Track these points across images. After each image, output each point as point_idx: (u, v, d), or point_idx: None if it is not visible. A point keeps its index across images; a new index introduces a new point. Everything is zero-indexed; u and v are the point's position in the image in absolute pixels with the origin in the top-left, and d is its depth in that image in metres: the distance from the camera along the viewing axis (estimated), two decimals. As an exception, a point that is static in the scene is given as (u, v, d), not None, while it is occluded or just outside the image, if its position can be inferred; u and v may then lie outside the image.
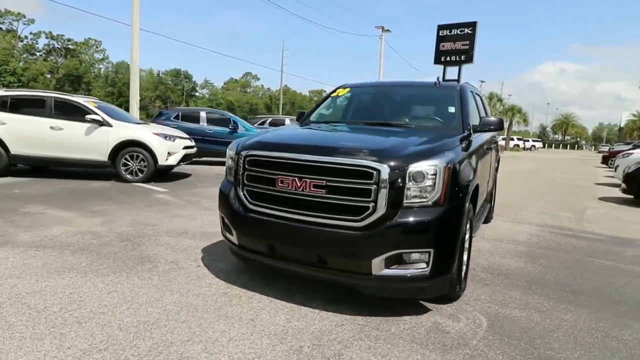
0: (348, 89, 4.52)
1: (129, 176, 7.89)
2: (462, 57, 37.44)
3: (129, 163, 7.89)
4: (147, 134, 8.00)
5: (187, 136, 8.98)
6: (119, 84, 61.61)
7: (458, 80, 28.45)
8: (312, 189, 2.67)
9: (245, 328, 2.55)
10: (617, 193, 8.89)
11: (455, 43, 37.32)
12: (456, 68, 39.39)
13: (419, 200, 2.58)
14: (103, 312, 2.66)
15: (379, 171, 2.54)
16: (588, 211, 7.32)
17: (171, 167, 8.42)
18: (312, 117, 4.36)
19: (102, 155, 7.82)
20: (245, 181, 3.00)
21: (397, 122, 3.81)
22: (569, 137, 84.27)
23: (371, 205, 2.56)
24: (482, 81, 55.13)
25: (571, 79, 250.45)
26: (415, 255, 2.59)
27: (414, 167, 2.57)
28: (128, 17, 14.89)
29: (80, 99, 8.12)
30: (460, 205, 2.74)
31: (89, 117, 7.69)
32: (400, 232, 2.54)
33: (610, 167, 21.62)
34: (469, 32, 37.46)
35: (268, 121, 16.55)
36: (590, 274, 3.86)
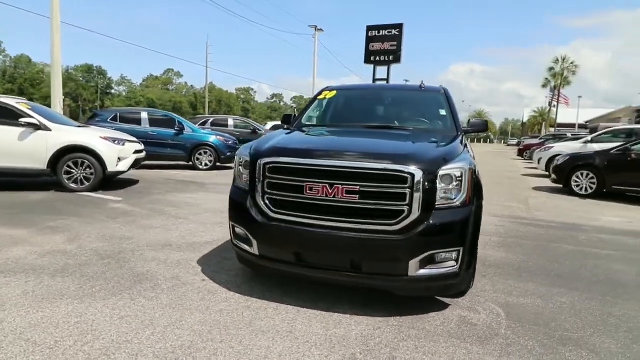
0: (335, 92, 4.54)
1: (73, 185, 7.15)
2: (391, 58, 39.25)
3: (73, 171, 7.15)
4: (93, 138, 7.31)
5: (136, 139, 8.36)
6: (20, 80, 55.24)
7: (387, 80, 30.20)
8: (345, 195, 2.66)
9: (288, 341, 2.48)
10: (546, 183, 9.99)
11: (384, 44, 39.00)
12: (385, 68, 41.23)
13: (449, 201, 2.70)
14: (127, 340, 2.42)
15: (413, 175, 2.61)
16: (530, 200, 8.13)
17: (120, 173, 7.79)
18: (304, 121, 4.33)
19: (40, 163, 6.99)
20: (266, 189, 2.90)
21: (398, 125, 3.92)
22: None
23: (406, 208, 2.63)
24: (406, 80, 58.10)
25: (479, 79, 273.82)
26: (446, 255, 2.71)
27: (444, 170, 2.68)
28: (26, 2, 13.30)
29: (9, 100, 7.18)
30: (480, 205, 2.91)
31: (23, 120, 6.83)
32: (434, 233, 2.64)
33: (525, 159, 24.09)
34: (396, 33, 39.32)
35: (210, 121, 15.95)
36: (563, 259, 4.31)
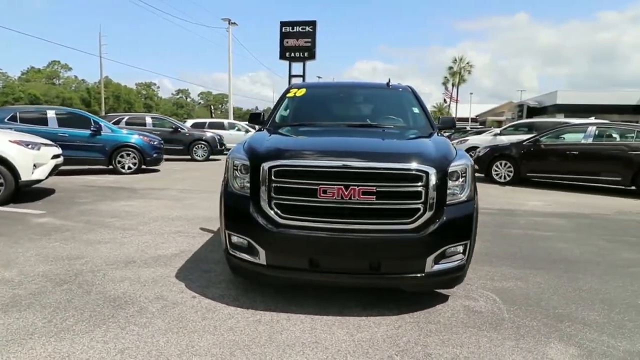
0: (304, 89, 4.44)
1: (-24, 199, 6.02)
2: (306, 54, 39.78)
3: (-24, 182, 6.02)
4: (1, 142, 6.22)
5: (52, 142, 7.30)
6: None
7: (304, 76, 30.49)
8: (362, 196, 2.62)
9: (320, 352, 2.37)
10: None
11: (299, 40, 39.37)
12: (301, 64, 41.47)
13: (457, 197, 2.81)
14: (143, 377, 2.11)
15: (427, 173, 2.66)
16: (462, 190, 8.84)
17: (36, 182, 6.75)
18: (277, 120, 4.16)
19: None
20: (273, 194, 2.72)
21: (380, 123, 3.95)
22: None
23: (421, 206, 2.67)
24: (319, 77, 59.03)
25: (382, 76, 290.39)
26: (456, 248, 2.81)
27: (452, 167, 2.78)
28: None
29: None
30: (477, 198, 3.07)
31: None
32: (447, 229, 2.72)
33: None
34: (310, 30, 39.91)
35: (124, 120, 14.58)
36: (519, 243, 4.76)
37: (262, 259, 2.78)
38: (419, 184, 2.65)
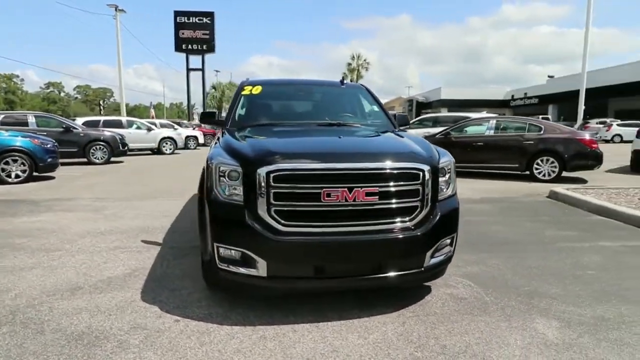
0: (259, 87, 4.22)
1: None
2: (204, 47, 38.05)
3: None
4: None
5: None
6: None
7: (203, 70, 29.32)
8: (365, 197, 2.59)
9: (345, 361, 2.31)
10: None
11: (196, 31, 37.48)
12: (199, 57, 39.49)
13: (445, 193, 2.94)
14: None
15: (423, 171, 2.73)
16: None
17: None
18: (237, 119, 3.90)
19: None
20: (272, 201, 2.55)
21: (347, 121, 3.93)
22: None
23: (419, 204, 2.74)
24: (217, 70, 56.99)
25: (278, 71, 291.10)
26: (446, 241, 2.95)
27: (441, 164, 2.90)
28: None
29: None
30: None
31: None
32: (441, 223, 2.83)
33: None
34: (208, 21, 38.21)
35: (-1, 119, 12.34)
36: (463, 228, 5.15)
37: (261, 270, 2.59)
38: (417, 181, 2.72)
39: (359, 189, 2.58)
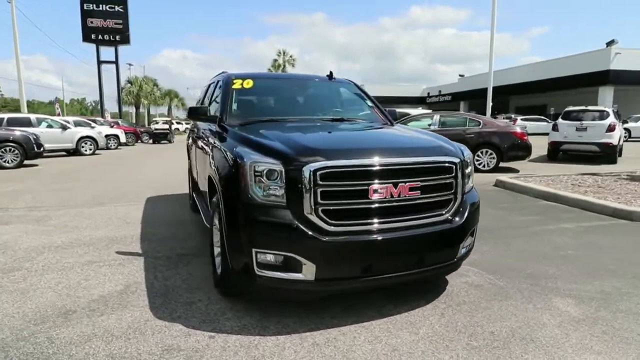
0: (250, 80, 3.97)
1: None
2: (118, 37, 35.04)
3: None
4: None
5: None
6: None
7: (117, 62, 27.45)
8: (409, 192, 2.58)
9: (411, 358, 2.27)
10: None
11: (107, 20, 34.38)
12: (112, 49, 36.29)
13: (468, 185, 3.03)
14: None
15: (456, 164, 2.79)
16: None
17: None
18: (234, 114, 3.63)
19: None
20: (319, 200, 2.42)
21: (347, 116, 3.86)
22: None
23: (452, 196, 2.80)
24: (130, 64, 52.50)
25: (193, 65, 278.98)
26: (471, 232, 3.05)
27: (467, 157, 2.98)
28: None
29: None
30: None
31: None
32: (470, 214, 2.91)
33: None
34: (121, 10, 35.22)
35: None
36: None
37: (309, 274, 2.45)
38: (451, 175, 2.77)
39: (404, 184, 2.55)
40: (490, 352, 2.33)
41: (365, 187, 2.47)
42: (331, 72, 4.45)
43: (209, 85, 5.24)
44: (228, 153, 2.80)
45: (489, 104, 32.55)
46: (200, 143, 4.22)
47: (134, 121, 42.09)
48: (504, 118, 33.63)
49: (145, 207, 6.19)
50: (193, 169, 5.31)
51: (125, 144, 23.35)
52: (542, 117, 29.94)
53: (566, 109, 12.30)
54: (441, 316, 2.76)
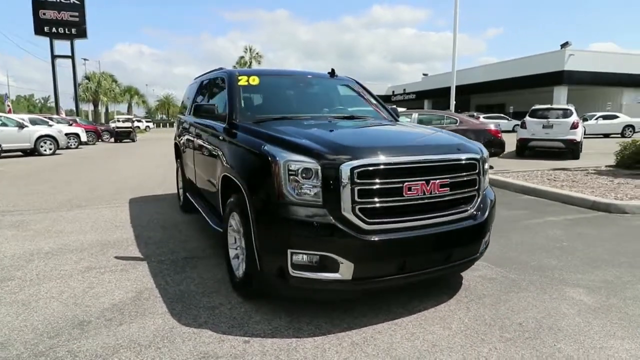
0: (255, 77, 3.88)
1: None
2: (73, 31, 33.19)
3: None
4: None
5: None
6: None
7: (73, 57, 26.47)
8: (440, 189, 2.61)
9: (454, 353, 2.31)
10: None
11: (61, 12, 32.47)
12: (68, 43, 34.38)
13: (486, 182, 3.10)
14: None
15: (479, 161, 2.86)
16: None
17: None
18: (244, 111, 3.53)
19: None
20: (357, 198, 2.40)
21: (356, 113, 3.84)
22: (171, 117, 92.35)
23: (476, 192, 2.86)
24: (85, 59, 49.80)
25: (150, 61, 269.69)
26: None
27: (485, 154, 3.05)
28: None
29: None
30: None
31: None
32: (490, 211, 2.99)
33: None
34: (77, 1, 33.27)
35: None
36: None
37: (346, 273, 2.42)
38: (475, 171, 2.83)
39: (435, 181, 2.58)
40: (524, 343, 2.41)
41: (400, 185, 2.48)
42: (333, 70, 4.42)
43: (201, 82, 5.08)
44: (254, 152, 2.71)
45: (453, 102, 33.64)
46: (202, 143, 4.08)
47: (90, 119, 40.15)
48: (467, 116, 34.97)
49: (130, 209, 5.91)
50: (186, 169, 5.13)
51: (86, 143, 22.22)
52: (503, 115, 31.27)
53: (533, 107, 12.90)
54: (467, 310, 2.82)
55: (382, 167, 2.45)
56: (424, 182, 2.54)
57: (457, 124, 10.17)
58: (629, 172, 8.34)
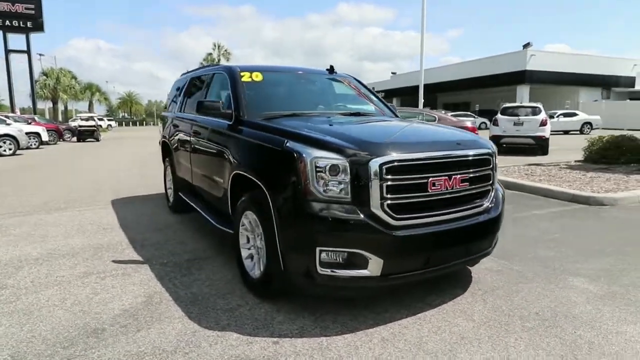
0: (259, 73, 3.80)
1: None
2: (29, 24, 31.42)
3: None
4: None
5: None
6: None
7: (29, 52, 25.30)
8: (460, 184, 2.66)
9: (483, 344, 2.36)
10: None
11: (15, 5, 30.68)
12: (23, 36, 32.48)
13: (496, 177, 3.19)
14: None
15: (492, 156, 2.93)
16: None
17: None
18: (251, 108, 3.46)
19: None
20: (385, 194, 2.40)
21: (360, 110, 3.84)
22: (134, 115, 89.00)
23: (490, 187, 2.93)
24: (40, 54, 47.09)
25: (109, 57, 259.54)
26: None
27: (495, 150, 3.13)
28: None
29: None
30: None
31: None
32: (503, 205, 3.07)
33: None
34: (32, -7, 31.35)
35: None
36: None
37: (375, 269, 2.42)
38: (489, 166, 2.89)
39: (457, 176, 2.63)
40: (546, 331, 2.49)
41: (426, 180, 2.50)
42: (332, 66, 4.40)
43: (191, 79, 4.95)
44: (275, 149, 2.65)
45: (421, 100, 34.36)
46: (201, 141, 3.96)
47: (48, 117, 38.11)
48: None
49: (115, 211, 5.66)
50: (180, 168, 4.96)
51: (47, 143, 21.08)
52: (469, 113, 32.29)
53: (504, 105, 13.39)
54: (484, 302, 2.89)
55: (409, 162, 2.47)
56: (446, 177, 2.57)
57: (436, 122, 10.39)
58: (597, 167, 8.82)
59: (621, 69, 33.57)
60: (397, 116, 4.12)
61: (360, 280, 2.45)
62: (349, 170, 2.39)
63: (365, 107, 4.10)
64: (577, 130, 24.56)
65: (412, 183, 2.48)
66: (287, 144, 2.55)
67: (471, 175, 2.72)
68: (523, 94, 30.86)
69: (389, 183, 2.41)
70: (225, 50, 45.89)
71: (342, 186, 2.40)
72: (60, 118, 41.63)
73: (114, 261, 3.72)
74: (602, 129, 24.76)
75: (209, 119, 3.77)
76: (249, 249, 3.07)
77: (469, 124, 10.56)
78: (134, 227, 4.84)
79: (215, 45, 45.56)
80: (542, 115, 12.43)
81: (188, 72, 5.37)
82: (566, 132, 24.82)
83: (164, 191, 6.28)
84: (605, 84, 33.18)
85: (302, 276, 2.50)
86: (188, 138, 4.43)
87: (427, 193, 2.52)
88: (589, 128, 24.65)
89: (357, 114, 3.75)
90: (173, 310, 2.78)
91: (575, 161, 9.90)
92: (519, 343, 2.37)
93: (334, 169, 2.39)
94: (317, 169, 2.40)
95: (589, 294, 3.01)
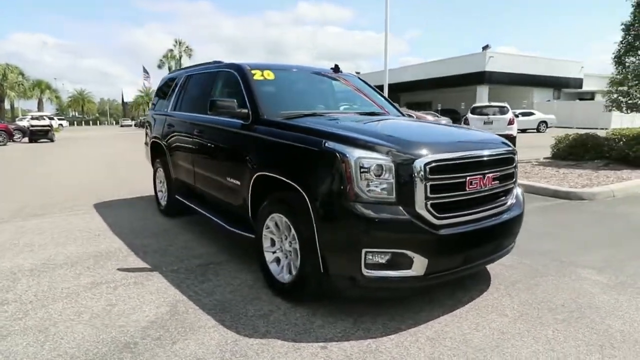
0: (270, 72, 3.70)
1: None
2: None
3: None
4: None
5: None
6: None
7: None
8: (492, 182, 2.72)
9: (527, 340, 2.42)
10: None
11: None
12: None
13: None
14: None
15: (514, 154, 3.02)
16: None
17: None
18: (269, 106, 3.36)
19: None
20: (429, 194, 2.41)
21: (372, 110, 3.84)
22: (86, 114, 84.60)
23: (513, 185, 3.02)
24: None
25: (56, 52, 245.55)
26: (520, 218, 3.30)
27: (515, 148, 3.22)
28: None
29: None
30: None
31: None
32: (524, 202, 3.17)
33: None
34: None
35: None
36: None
37: (419, 269, 2.43)
38: (513, 165, 2.98)
39: (489, 174, 2.68)
40: (578, 322, 2.60)
41: (464, 179, 2.54)
42: (337, 65, 4.37)
43: (188, 77, 4.76)
44: (311, 149, 2.59)
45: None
46: (210, 141, 3.82)
47: (-7, 116, 35.49)
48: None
49: (102, 216, 5.34)
50: (178, 170, 4.74)
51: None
52: (433, 112, 33.22)
53: (473, 105, 13.91)
54: (510, 297, 2.97)
55: (450, 162, 2.49)
56: (481, 175, 2.62)
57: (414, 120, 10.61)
58: (566, 163, 9.33)
59: (570, 70, 35.72)
60: (404, 115, 4.15)
61: (404, 280, 2.44)
62: (394, 170, 2.37)
63: (377, 107, 4.10)
64: (533, 129, 25.91)
65: (452, 182, 2.51)
66: (327, 144, 2.50)
67: (500, 173, 2.78)
68: (482, 94, 32.12)
69: (432, 182, 2.42)
70: (187, 47, 44.60)
71: (386, 186, 2.38)
72: (6, 117, 38.86)
73: (119, 269, 3.50)
74: (556, 127, 26.29)
75: (217, 118, 3.63)
76: (274, 252, 3.00)
77: (444, 122, 10.86)
78: (128, 232, 4.59)
79: (176, 42, 44.25)
80: (510, 115, 13.02)
81: (180, 70, 5.16)
82: (523, 131, 26.10)
83: (146, 194, 6.01)
84: (557, 84, 35.18)
85: (346, 279, 2.46)
86: (189, 138, 4.25)
87: (465, 192, 2.56)
88: (544, 126, 26.07)
89: (373, 114, 3.75)
90: (204, 319, 2.65)
91: (544, 158, 10.42)
92: (557, 335, 2.45)
93: (379, 169, 2.37)
94: (362, 170, 2.37)
95: (602, 285, 3.16)
